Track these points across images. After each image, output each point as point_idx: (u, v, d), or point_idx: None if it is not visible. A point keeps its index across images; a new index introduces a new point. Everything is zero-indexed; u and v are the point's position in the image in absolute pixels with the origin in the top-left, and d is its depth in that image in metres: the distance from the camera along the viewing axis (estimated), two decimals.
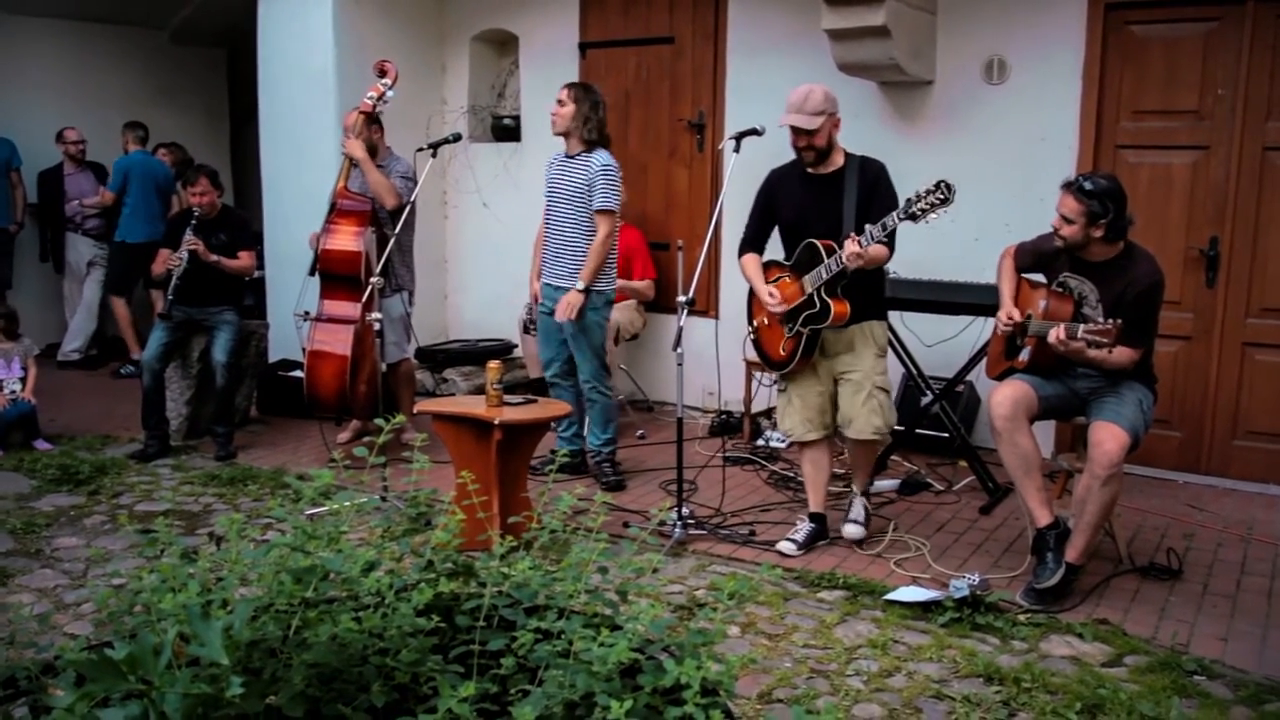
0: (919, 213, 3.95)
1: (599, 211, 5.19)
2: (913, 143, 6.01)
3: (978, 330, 5.38)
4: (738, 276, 4.82)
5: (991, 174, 5.89)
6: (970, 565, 4.35)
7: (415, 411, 5.03)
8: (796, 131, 4.25)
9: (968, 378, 5.57)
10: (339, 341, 5.62)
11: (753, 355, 4.86)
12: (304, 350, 5.72)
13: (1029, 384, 4.14)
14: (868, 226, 4.07)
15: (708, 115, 6.88)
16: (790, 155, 4.44)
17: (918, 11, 5.74)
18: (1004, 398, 4.10)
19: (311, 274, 5.79)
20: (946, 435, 5.69)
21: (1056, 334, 3.86)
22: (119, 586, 1.89)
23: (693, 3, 6.85)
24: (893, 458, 5.75)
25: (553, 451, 2.88)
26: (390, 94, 5.78)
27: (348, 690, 1.83)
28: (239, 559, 1.98)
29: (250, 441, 6.30)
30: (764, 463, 5.83)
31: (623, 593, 2.07)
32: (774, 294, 4.38)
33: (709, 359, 5.30)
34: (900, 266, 5.31)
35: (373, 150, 5.76)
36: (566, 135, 5.29)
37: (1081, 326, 3.79)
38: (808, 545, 4.50)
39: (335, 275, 5.67)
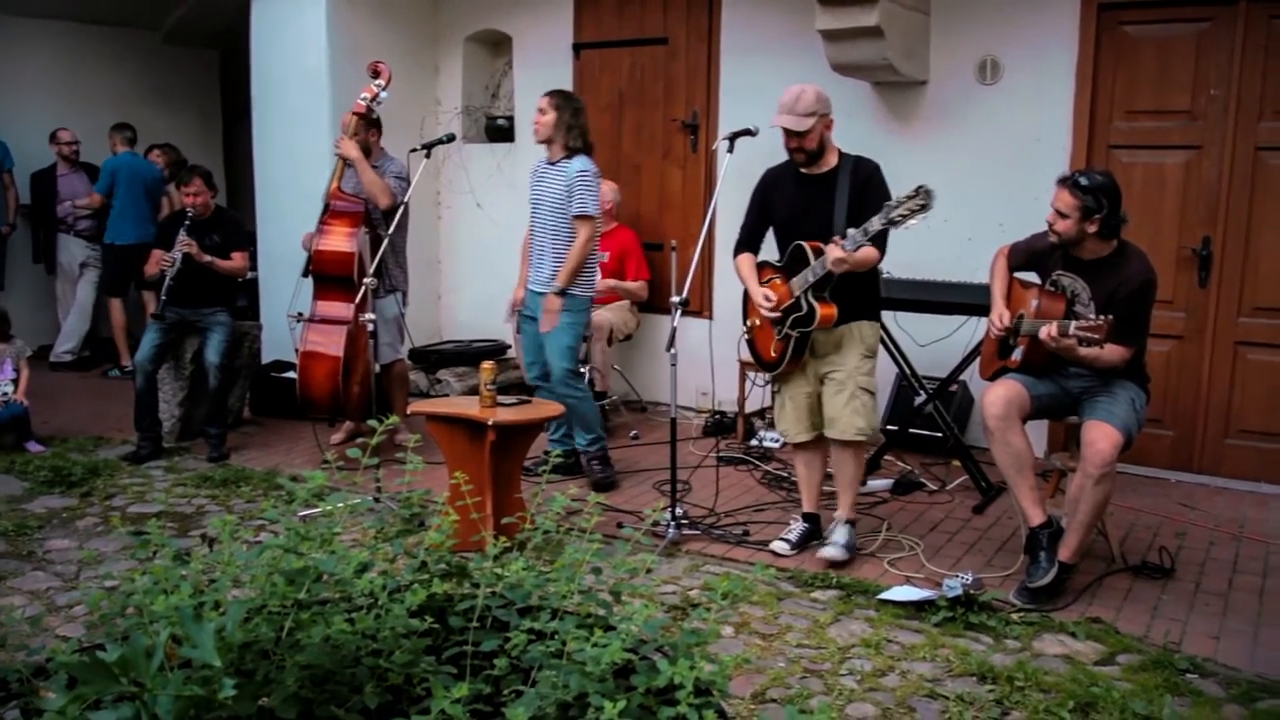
0: (898, 219, 3.91)
1: (577, 217, 5.20)
2: (906, 143, 6.02)
3: (971, 330, 5.39)
4: (731, 277, 4.82)
5: (985, 174, 5.90)
6: (963, 564, 4.35)
7: (409, 412, 5.03)
8: (787, 133, 4.25)
9: (961, 377, 5.58)
10: (332, 342, 5.61)
11: (747, 355, 4.86)
12: (297, 351, 5.71)
13: (1022, 383, 4.15)
14: (850, 231, 4.05)
15: (701, 116, 6.88)
16: (785, 155, 4.44)
17: (911, 12, 5.75)
18: (997, 397, 4.11)
19: (305, 275, 5.78)
20: (940, 435, 5.70)
21: (1048, 331, 3.86)
22: (111, 588, 1.88)
23: (686, 3, 6.86)
24: (886, 457, 5.75)
25: (546, 452, 2.88)
26: (384, 95, 5.77)
27: (341, 692, 1.82)
28: (232, 560, 1.98)
29: (243, 443, 6.29)
30: (757, 463, 5.83)
31: (616, 593, 2.07)
32: (770, 297, 4.35)
33: (702, 359, 5.30)
34: (894, 266, 5.32)
35: (367, 151, 5.76)
36: (548, 143, 5.31)
37: (1074, 323, 3.80)
38: (801, 545, 4.50)
39: (328, 276, 5.66)
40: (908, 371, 5.56)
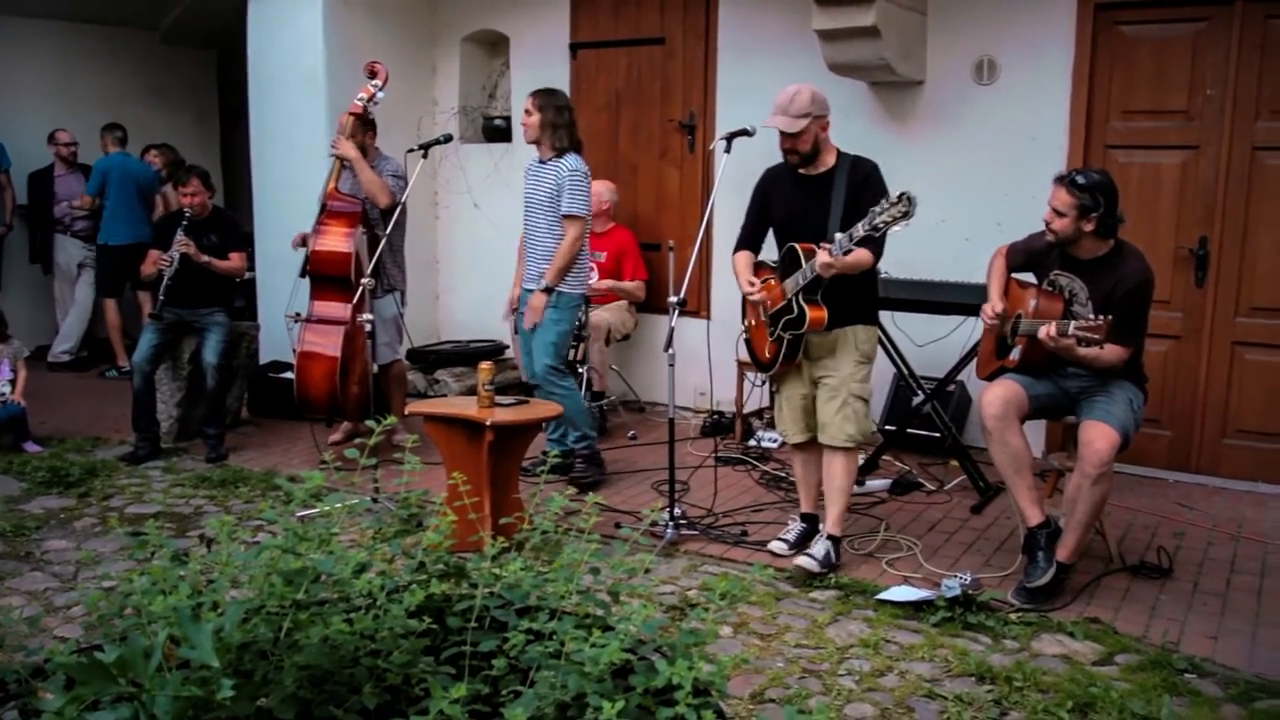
0: (881, 225, 3.85)
1: (565, 216, 5.20)
2: (903, 143, 6.02)
3: (969, 330, 5.39)
4: (729, 277, 4.82)
5: (982, 174, 5.91)
6: (962, 564, 4.35)
7: (407, 412, 5.03)
8: (781, 134, 4.23)
9: (959, 377, 5.58)
10: (329, 343, 5.61)
11: (745, 355, 4.86)
12: (295, 351, 5.71)
13: (1019, 383, 4.15)
14: (837, 236, 4.01)
15: (698, 115, 6.88)
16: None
17: (908, 12, 5.76)
18: (995, 397, 4.11)
19: (302, 275, 5.78)
20: (938, 435, 5.70)
21: (1047, 331, 3.86)
22: (109, 589, 1.88)
23: (683, 3, 6.86)
24: (884, 457, 5.75)
25: (544, 453, 2.88)
26: (380, 95, 5.77)
27: (339, 692, 1.82)
28: (230, 561, 1.98)
29: (241, 443, 6.28)
30: (755, 463, 5.83)
31: (614, 593, 2.07)
32: (753, 282, 4.33)
33: (700, 359, 5.30)
34: (891, 266, 5.32)
35: (363, 151, 5.75)
36: (537, 143, 5.31)
37: (1072, 323, 3.80)
38: (799, 545, 4.50)
39: (326, 276, 5.66)
40: (905, 371, 5.56)
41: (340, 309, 5.62)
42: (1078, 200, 3.93)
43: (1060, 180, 4.01)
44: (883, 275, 5.11)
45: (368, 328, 5.30)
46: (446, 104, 7.81)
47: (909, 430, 5.75)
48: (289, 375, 6.24)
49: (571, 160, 5.21)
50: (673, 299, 4.60)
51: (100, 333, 8.52)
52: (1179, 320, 5.53)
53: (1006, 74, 5.82)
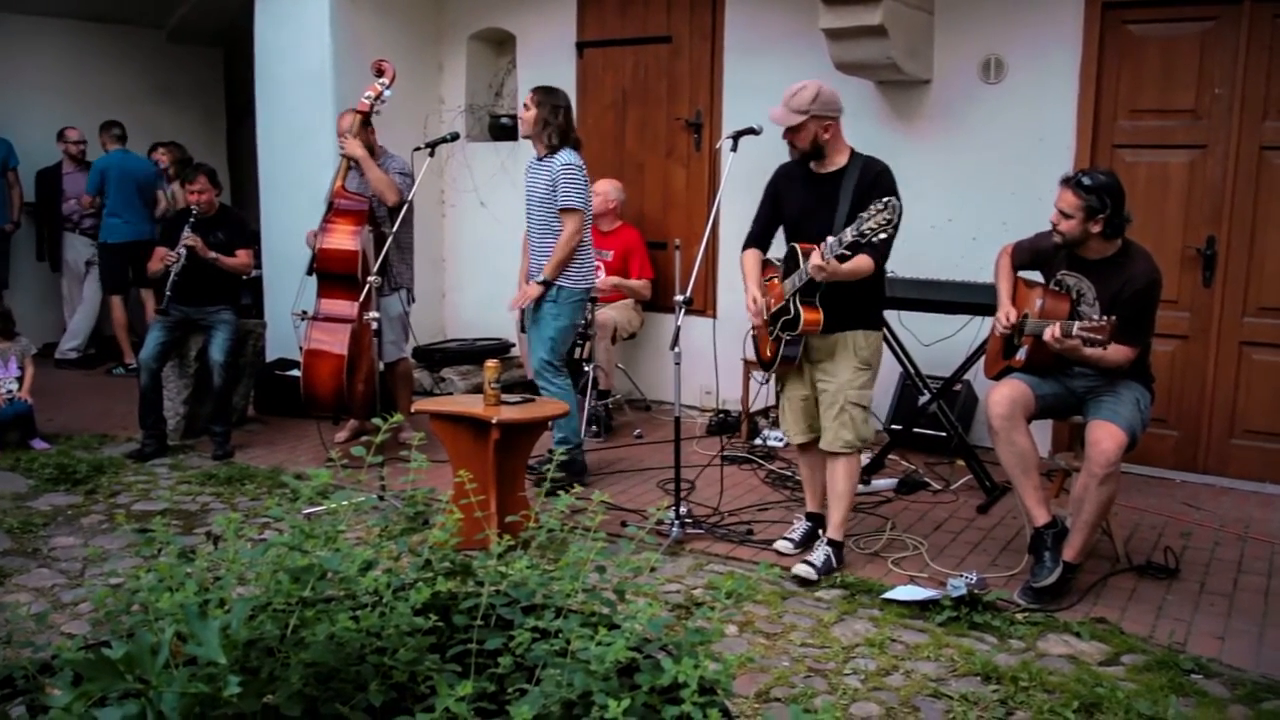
0: (868, 232, 3.81)
1: (562, 210, 5.19)
2: (910, 142, 6.01)
3: (975, 329, 5.39)
4: (735, 276, 4.82)
5: (989, 173, 5.90)
6: (968, 564, 4.35)
7: (413, 410, 5.02)
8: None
9: (965, 377, 5.57)
10: (336, 341, 5.61)
11: (750, 354, 4.85)
12: (301, 349, 5.72)
13: (1026, 383, 4.14)
14: (829, 239, 3.96)
15: (705, 114, 6.88)
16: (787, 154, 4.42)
17: (915, 11, 5.75)
18: (1001, 397, 4.10)
19: (309, 273, 5.79)
20: (944, 434, 5.69)
21: (1052, 332, 3.85)
22: (116, 586, 1.89)
23: (690, 2, 6.85)
24: (890, 457, 5.75)
25: (550, 451, 2.88)
26: (388, 93, 5.78)
27: (345, 689, 1.82)
28: (236, 558, 1.98)
29: (247, 441, 6.30)
30: (761, 462, 5.83)
31: (620, 592, 2.07)
32: (758, 300, 4.30)
33: (706, 358, 5.30)
34: (898, 265, 5.30)
35: (369, 150, 5.76)
36: (534, 139, 5.31)
37: (1077, 324, 3.79)
38: (804, 544, 4.49)
39: (332, 274, 5.67)
40: (912, 371, 5.55)
41: (347, 307, 5.63)
42: (1084, 202, 3.92)
43: (1066, 182, 4.00)
44: (889, 274, 5.09)
45: (374, 326, 5.30)
46: (453, 102, 7.82)
47: (915, 429, 5.74)
48: (295, 373, 6.24)
49: (565, 155, 5.21)
50: (679, 298, 4.60)
51: (107, 330, 8.54)
52: (1186, 320, 5.51)
53: (1014, 73, 5.81)
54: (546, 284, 5.23)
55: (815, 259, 3.94)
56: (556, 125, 5.23)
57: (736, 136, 4.65)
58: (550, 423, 5.40)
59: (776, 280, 4.31)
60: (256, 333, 6.68)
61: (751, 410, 6.34)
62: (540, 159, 5.30)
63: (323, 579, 1.89)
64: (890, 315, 5.39)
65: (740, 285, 4.53)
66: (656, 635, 1.94)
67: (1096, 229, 3.95)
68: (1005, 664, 3.47)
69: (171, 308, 5.90)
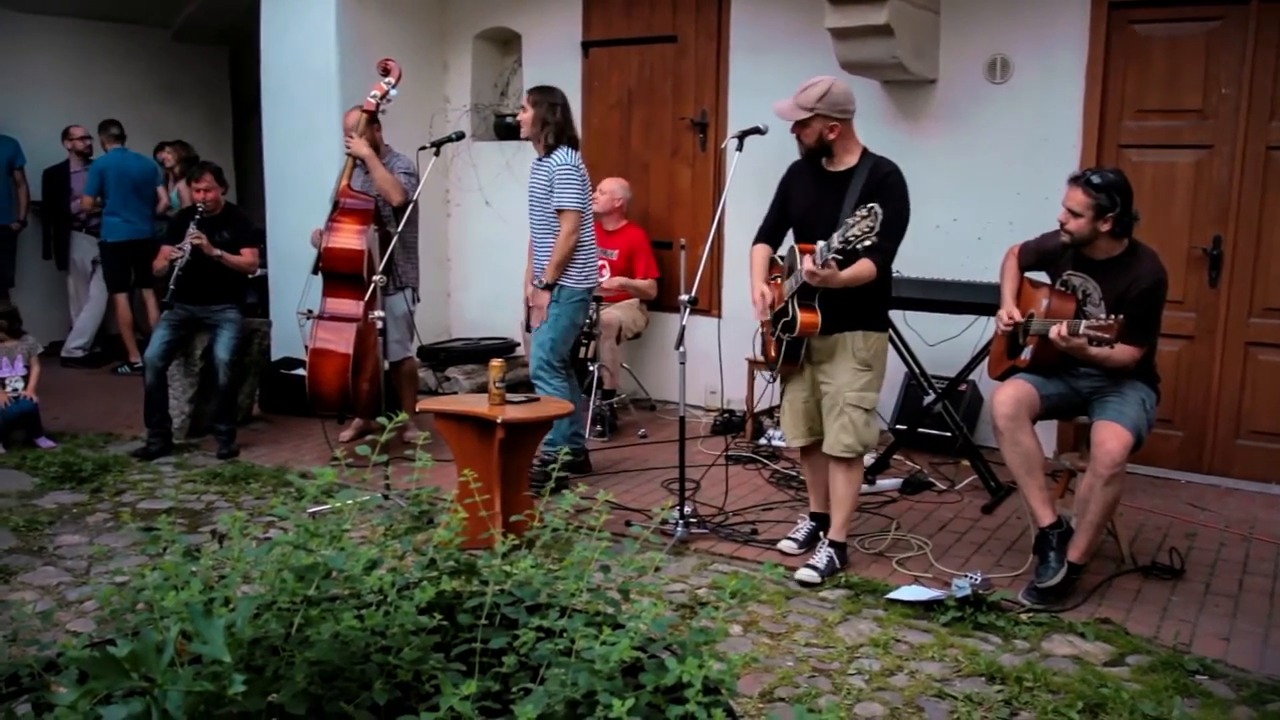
0: (852, 238, 3.78)
1: (557, 210, 5.19)
2: (916, 142, 6.00)
3: (980, 329, 5.38)
4: (740, 275, 4.81)
5: (995, 173, 5.89)
6: (972, 564, 4.34)
7: (418, 410, 5.03)
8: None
9: (970, 377, 5.57)
10: (342, 340, 5.62)
11: (754, 354, 4.84)
12: (306, 348, 5.72)
13: (1031, 383, 4.14)
14: (819, 243, 3.93)
15: (710, 114, 6.88)
16: (792, 154, 4.41)
17: (921, 10, 5.74)
18: (1006, 397, 4.10)
19: (315, 272, 5.80)
20: (949, 434, 5.69)
21: (1058, 330, 3.85)
22: (121, 584, 1.89)
23: (695, 1, 6.85)
24: (895, 457, 5.74)
25: (537, 458, 2.88)
26: (393, 92, 5.78)
27: (350, 688, 1.83)
28: (241, 557, 1.98)
29: (252, 439, 6.31)
30: (766, 462, 5.83)
31: (625, 591, 2.07)
32: (765, 295, 4.27)
33: (711, 358, 5.29)
34: (903, 265, 5.30)
35: (374, 148, 5.76)
36: (533, 140, 5.31)
37: (1083, 323, 3.78)
38: (809, 544, 4.49)
39: (338, 273, 5.67)
40: (917, 371, 5.55)
41: (352, 306, 5.63)
42: (1094, 200, 3.91)
43: (1075, 180, 3.99)
44: (895, 274, 5.08)
45: (379, 325, 5.31)
46: (458, 101, 7.82)
47: (920, 430, 5.73)
48: (301, 372, 6.26)
49: (561, 155, 5.21)
50: (684, 297, 4.59)
51: (112, 329, 8.55)
52: (1192, 320, 5.50)
53: (1019, 73, 5.81)
54: (549, 286, 5.22)
55: (808, 263, 3.92)
56: (554, 124, 5.23)
57: (742, 136, 4.65)
58: (574, 424, 5.41)
59: (780, 280, 4.30)
60: (262, 331, 6.69)
61: (756, 410, 6.33)
62: (540, 159, 5.30)
63: (327, 578, 1.89)
64: (895, 315, 5.38)
65: (745, 285, 4.53)
66: (661, 635, 1.94)
67: (1105, 227, 3.95)
68: (1010, 664, 3.47)
69: (175, 304, 5.91)
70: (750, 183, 5.41)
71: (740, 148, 4.63)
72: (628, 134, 7.22)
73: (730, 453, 5.72)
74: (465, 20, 7.79)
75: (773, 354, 4.36)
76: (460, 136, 5.94)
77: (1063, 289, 4.16)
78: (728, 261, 6.78)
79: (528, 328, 5.72)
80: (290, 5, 7.15)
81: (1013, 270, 4.37)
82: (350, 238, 5.63)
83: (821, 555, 4.29)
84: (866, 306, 4.17)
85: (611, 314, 6.51)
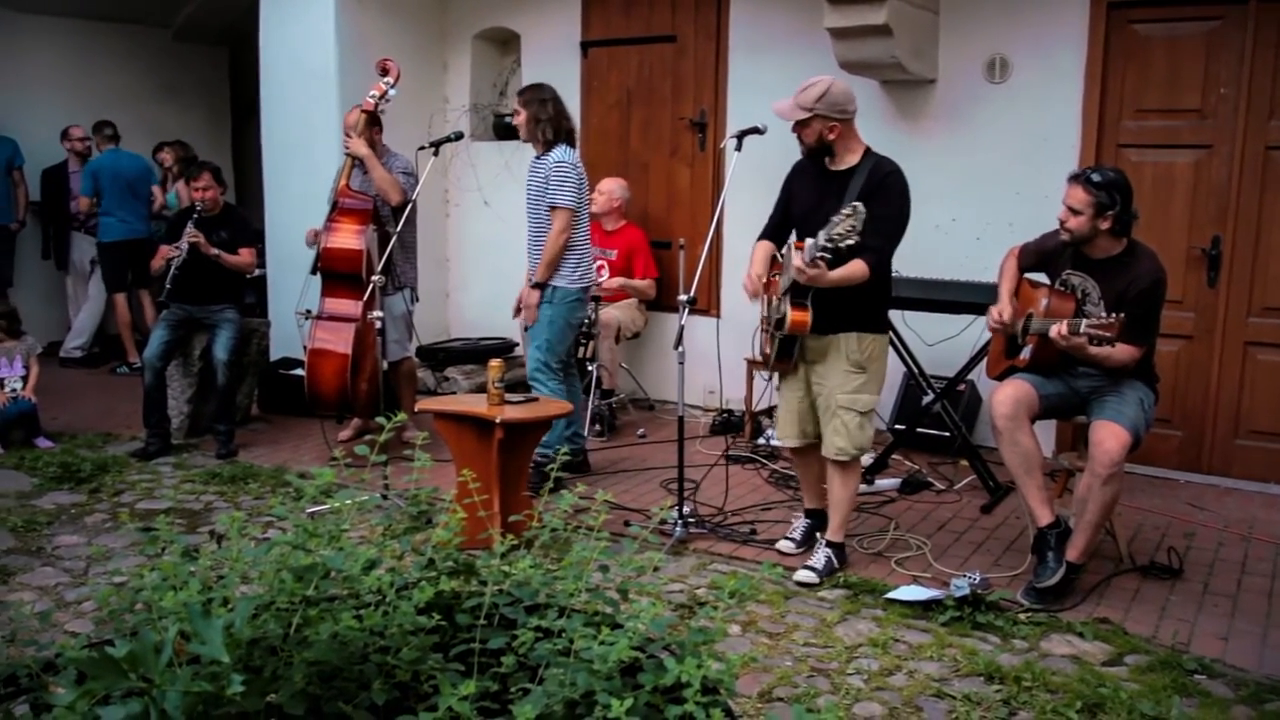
0: (837, 237, 3.77)
1: (551, 208, 5.18)
2: (915, 142, 6.00)
3: (979, 329, 5.37)
4: (740, 275, 4.80)
5: (994, 173, 5.89)
6: (971, 564, 4.35)
7: (416, 410, 5.03)
8: None
9: (969, 377, 5.57)
10: (340, 340, 5.62)
11: (753, 354, 4.84)
12: (305, 348, 5.72)
13: (1030, 383, 4.14)
14: (808, 240, 3.91)
15: (709, 114, 6.88)
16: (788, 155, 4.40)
17: (920, 10, 5.74)
18: (1005, 397, 4.10)
19: (313, 272, 5.80)
20: (948, 434, 5.69)
21: (1059, 329, 3.85)
22: (120, 584, 1.89)
23: (695, 1, 6.85)
24: (894, 457, 5.74)
25: (555, 450, 2.88)
26: (392, 92, 5.78)
27: (348, 688, 1.83)
28: (240, 557, 1.98)
29: (251, 440, 6.30)
30: (765, 461, 5.83)
31: (623, 591, 2.07)
32: (759, 276, 4.23)
33: (710, 358, 5.29)
34: (902, 265, 5.30)
35: (372, 148, 5.75)
36: (530, 140, 5.31)
37: (1084, 321, 3.78)
38: (806, 543, 4.49)
39: (337, 273, 5.67)
40: (915, 370, 5.55)
41: (351, 306, 5.63)
42: (1094, 198, 3.91)
43: (1075, 178, 3.99)
44: (894, 274, 5.07)
45: (378, 325, 5.31)
46: (458, 101, 7.82)
47: (919, 429, 5.73)
48: (299, 372, 6.26)
49: (557, 153, 5.19)
50: (683, 297, 4.58)
51: (111, 329, 8.55)
52: (1191, 320, 5.50)
53: (1018, 73, 5.81)
54: (540, 286, 5.20)
55: (797, 260, 3.90)
56: (548, 119, 5.21)
57: (741, 136, 4.64)
58: (573, 424, 5.40)
59: (776, 278, 4.29)
60: (260, 331, 6.69)
61: (755, 410, 6.33)
62: (539, 158, 5.30)
63: (326, 578, 1.89)
64: (894, 315, 5.37)
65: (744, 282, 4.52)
66: (659, 635, 1.94)
67: (1105, 225, 3.95)
68: (1008, 664, 3.47)
69: (172, 303, 5.91)
70: (749, 182, 5.41)
71: (739, 147, 4.63)
72: (627, 134, 7.22)
73: (729, 452, 5.71)
74: (464, 20, 7.79)
75: (767, 351, 4.36)
76: (459, 136, 5.94)
77: (1062, 288, 4.16)
78: (727, 261, 6.78)
79: (525, 327, 5.72)
80: (289, 5, 7.15)
81: (1011, 270, 4.37)
82: (349, 238, 5.63)
83: (819, 556, 4.28)
84: (862, 308, 4.12)
85: (610, 314, 6.51)
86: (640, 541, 2.15)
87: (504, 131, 7.78)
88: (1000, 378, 4.33)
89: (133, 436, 6.15)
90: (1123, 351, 3.88)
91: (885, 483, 5.40)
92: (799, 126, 4.12)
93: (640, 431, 6.47)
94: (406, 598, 1.94)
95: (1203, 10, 5.34)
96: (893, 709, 3.23)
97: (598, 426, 6.36)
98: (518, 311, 5.59)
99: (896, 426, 5.93)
